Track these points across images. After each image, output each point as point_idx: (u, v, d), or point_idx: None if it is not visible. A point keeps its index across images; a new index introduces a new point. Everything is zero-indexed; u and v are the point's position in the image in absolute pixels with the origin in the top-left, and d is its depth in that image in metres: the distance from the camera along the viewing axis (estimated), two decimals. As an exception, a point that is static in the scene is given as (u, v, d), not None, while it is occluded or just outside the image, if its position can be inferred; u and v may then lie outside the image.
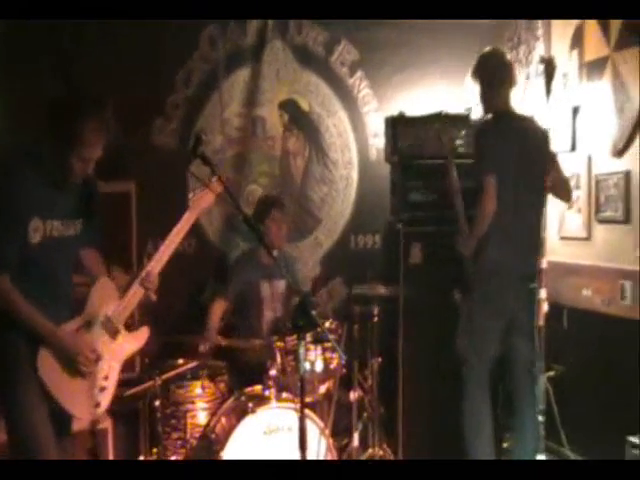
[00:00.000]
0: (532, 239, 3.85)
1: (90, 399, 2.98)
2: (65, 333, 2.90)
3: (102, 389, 3.03)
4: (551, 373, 3.99)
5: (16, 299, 2.79)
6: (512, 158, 3.80)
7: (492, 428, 3.85)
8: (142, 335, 3.24)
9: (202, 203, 3.31)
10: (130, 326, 3.19)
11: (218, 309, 4.40)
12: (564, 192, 4.08)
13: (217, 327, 4.36)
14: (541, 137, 3.93)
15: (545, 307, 3.01)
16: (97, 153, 2.87)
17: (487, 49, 4.14)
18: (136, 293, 3.14)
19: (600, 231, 4.21)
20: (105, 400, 3.05)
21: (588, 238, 4.29)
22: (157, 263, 3.19)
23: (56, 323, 2.88)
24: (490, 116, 4.03)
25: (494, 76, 3.96)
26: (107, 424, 3.97)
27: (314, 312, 2.97)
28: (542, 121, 4.10)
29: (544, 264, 3.04)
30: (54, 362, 2.87)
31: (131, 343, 3.18)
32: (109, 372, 3.06)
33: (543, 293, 3.01)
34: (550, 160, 3.94)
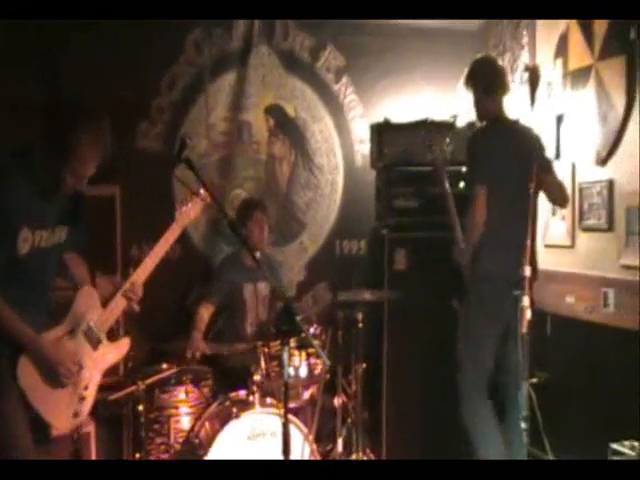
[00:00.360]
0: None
1: (69, 408, 2.95)
2: (47, 342, 2.86)
3: (82, 399, 3.00)
4: (534, 380, 4.00)
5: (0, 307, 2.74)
6: (505, 165, 3.79)
7: (497, 426, 3.82)
8: (123, 345, 3.23)
9: (189, 215, 3.32)
10: (112, 335, 3.18)
11: (205, 313, 4.40)
12: (561, 197, 4.06)
13: (204, 331, 4.36)
14: (535, 143, 3.88)
15: (528, 314, 3.00)
16: (91, 170, 2.84)
17: (479, 56, 4.15)
18: (119, 304, 3.14)
19: (583, 239, 4.24)
20: (84, 409, 3.02)
21: (572, 246, 4.32)
22: (141, 274, 3.20)
23: (37, 330, 2.84)
24: (484, 123, 4.03)
25: (489, 83, 3.96)
26: (90, 428, 3.94)
27: (298, 317, 2.96)
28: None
29: (527, 271, 3.03)
30: (34, 371, 2.82)
31: (113, 353, 3.17)
32: (89, 382, 3.04)
33: (526, 300, 3.01)
34: (546, 166, 3.92)
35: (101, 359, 3.10)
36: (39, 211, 2.82)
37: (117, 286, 3.18)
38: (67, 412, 2.94)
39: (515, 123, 4.03)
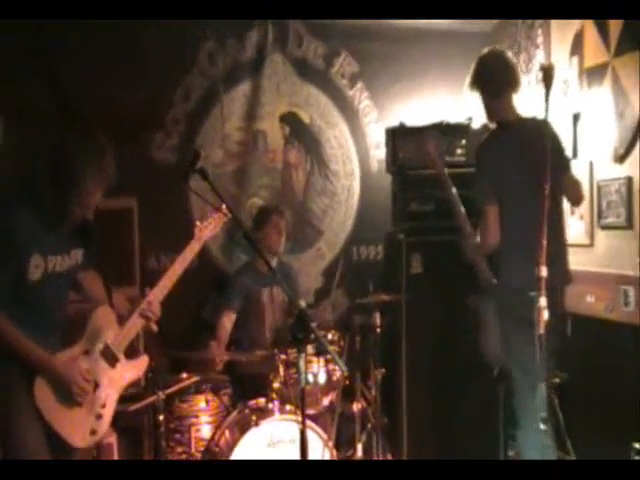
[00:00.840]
0: (553, 248, 3.43)
1: (86, 427, 2.97)
2: (60, 362, 2.88)
3: (99, 417, 3.01)
4: (555, 381, 3.96)
5: (8, 329, 2.75)
6: (515, 174, 3.61)
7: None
8: (142, 363, 3.24)
9: (208, 231, 3.34)
10: (132, 352, 3.18)
11: (227, 322, 4.44)
12: (575, 195, 3.82)
13: (227, 340, 4.39)
14: (549, 142, 3.43)
15: (546, 315, 2.96)
16: (97, 198, 2.85)
17: (484, 51, 3.87)
18: (136, 323, 3.15)
19: (602, 237, 4.19)
20: (102, 427, 3.03)
21: (590, 245, 4.27)
22: (159, 293, 3.21)
23: (51, 351, 2.86)
24: (493, 127, 3.85)
25: (495, 84, 3.71)
26: (111, 439, 3.96)
27: (314, 324, 2.96)
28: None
29: (544, 272, 2.98)
30: (50, 391, 2.85)
31: (130, 372, 3.18)
32: (106, 400, 3.05)
33: (543, 301, 2.97)
34: (564, 165, 3.72)
35: (119, 377, 3.11)
36: (50, 238, 2.85)
37: (133, 302, 3.20)
38: (84, 430, 2.96)
39: (528, 121, 3.78)
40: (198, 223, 3.45)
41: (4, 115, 4.26)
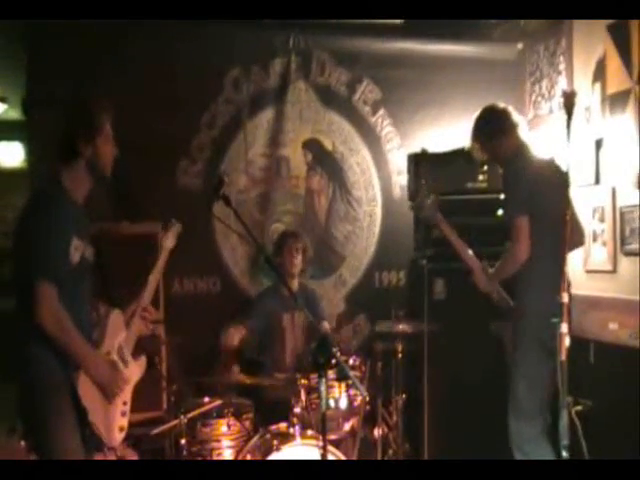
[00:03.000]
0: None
1: (116, 423, 3.06)
2: (105, 359, 3.01)
3: (124, 414, 3.12)
4: (579, 408, 3.92)
5: (65, 318, 2.81)
6: (543, 193, 3.67)
7: None
8: (143, 363, 3.35)
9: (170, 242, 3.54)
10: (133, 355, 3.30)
11: (235, 333, 4.43)
12: (580, 234, 3.94)
13: (233, 350, 4.40)
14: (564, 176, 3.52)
15: (567, 341, 2.95)
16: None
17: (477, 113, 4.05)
18: (139, 325, 3.30)
19: (625, 264, 4.17)
20: (126, 424, 3.13)
21: (614, 271, 4.26)
22: (147, 297, 3.35)
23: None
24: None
25: (495, 130, 3.90)
26: (134, 462, 3.98)
27: (335, 349, 2.97)
28: (563, 157, 3.81)
29: (565, 298, 2.98)
30: (93, 388, 2.93)
31: (136, 371, 3.28)
32: (126, 398, 3.15)
33: (565, 327, 2.96)
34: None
35: (130, 376, 3.21)
36: (81, 222, 2.97)
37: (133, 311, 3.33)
38: (115, 427, 3.05)
39: (539, 160, 3.94)
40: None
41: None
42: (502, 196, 4.09)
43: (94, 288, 3.13)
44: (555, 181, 3.55)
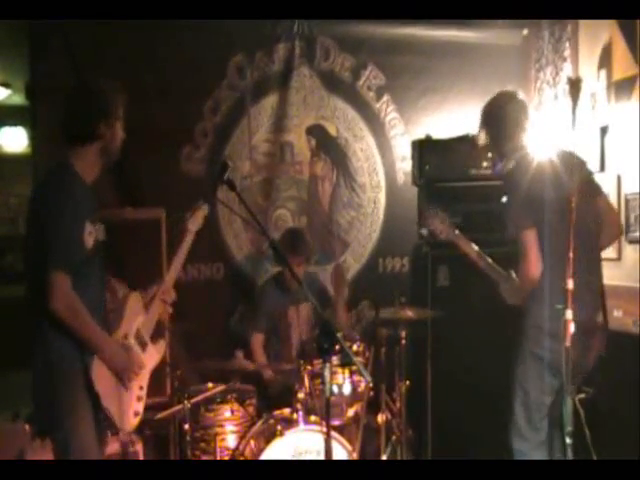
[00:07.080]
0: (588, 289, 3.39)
1: (131, 409, 3.07)
2: (119, 344, 3.01)
3: (139, 398, 3.13)
4: (582, 395, 3.92)
5: (79, 306, 2.81)
6: (548, 201, 3.36)
7: None
8: (162, 347, 3.37)
9: (195, 225, 3.51)
10: (152, 338, 3.30)
11: (257, 345, 4.52)
12: (612, 219, 3.62)
13: (262, 360, 4.48)
14: (576, 172, 3.20)
15: (572, 328, 2.94)
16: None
17: (491, 98, 3.75)
18: (159, 307, 3.31)
19: (630, 251, 4.18)
20: (141, 409, 3.14)
21: (618, 259, 4.26)
22: (170, 280, 3.37)
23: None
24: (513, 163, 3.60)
25: (507, 122, 3.59)
26: (137, 447, 3.99)
27: (339, 334, 2.97)
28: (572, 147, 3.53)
29: (570, 284, 2.95)
30: (107, 373, 2.93)
31: (154, 355, 3.28)
32: (142, 382, 3.16)
33: (569, 314, 2.94)
34: (595, 191, 3.54)
35: (148, 360, 3.22)
36: (93, 203, 2.98)
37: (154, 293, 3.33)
38: (130, 412, 3.06)
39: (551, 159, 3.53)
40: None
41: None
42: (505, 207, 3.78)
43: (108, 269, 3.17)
44: (559, 182, 3.31)
